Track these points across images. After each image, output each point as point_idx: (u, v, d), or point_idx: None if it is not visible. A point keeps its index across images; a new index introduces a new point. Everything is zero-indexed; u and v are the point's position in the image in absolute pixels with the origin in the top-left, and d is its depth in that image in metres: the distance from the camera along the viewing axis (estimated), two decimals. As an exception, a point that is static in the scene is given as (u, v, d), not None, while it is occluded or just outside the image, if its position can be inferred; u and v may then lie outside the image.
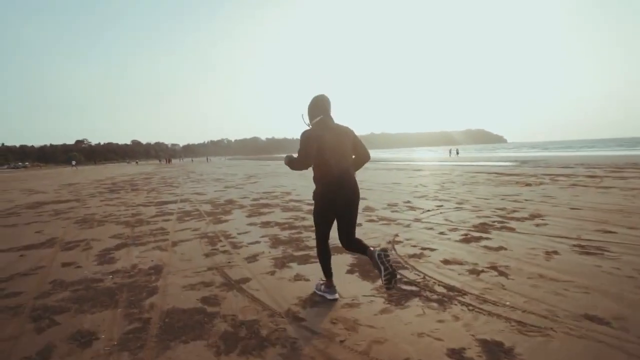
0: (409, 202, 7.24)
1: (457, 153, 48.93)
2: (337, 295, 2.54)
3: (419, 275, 2.95)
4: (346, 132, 2.47)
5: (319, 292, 2.62)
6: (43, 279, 3.18)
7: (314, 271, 3.09)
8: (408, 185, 10.40)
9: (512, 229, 4.51)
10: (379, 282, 2.75)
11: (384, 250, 2.26)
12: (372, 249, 2.29)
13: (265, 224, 5.33)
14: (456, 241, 4.06)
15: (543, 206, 5.95)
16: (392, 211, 6.23)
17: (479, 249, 3.73)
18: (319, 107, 2.46)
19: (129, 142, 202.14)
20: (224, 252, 3.90)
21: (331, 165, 2.34)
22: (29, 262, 3.79)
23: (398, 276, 2.33)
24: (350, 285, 2.81)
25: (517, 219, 5.06)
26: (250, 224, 5.38)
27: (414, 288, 2.68)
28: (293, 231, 4.82)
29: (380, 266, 2.15)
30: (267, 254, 3.80)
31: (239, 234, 4.76)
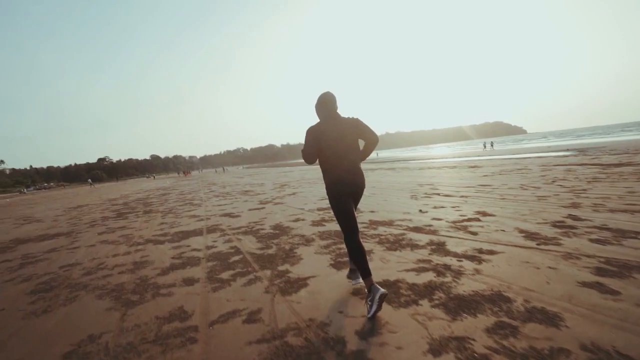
0: (576, 216, 4.40)
1: (492, 146, 45.19)
2: (384, 290, 2.24)
3: None
4: (351, 124, 2.51)
5: (354, 278, 2.79)
6: None
7: None
8: (508, 188, 7.47)
9: None
10: None
11: (386, 294, 2.20)
12: (375, 284, 2.28)
13: (391, 288, 2.56)
14: None
15: None
16: (592, 240, 3.38)
17: None
18: (322, 104, 2.54)
19: (148, 157, 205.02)
20: None
21: (332, 162, 2.45)
22: None
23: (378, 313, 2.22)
24: None
25: None
26: (361, 294, 2.63)
27: None
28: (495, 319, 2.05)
29: (374, 305, 2.18)
30: None
31: (365, 334, 2.01)
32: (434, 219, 5.13)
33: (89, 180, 58.82)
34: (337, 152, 2.43)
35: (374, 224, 5.15)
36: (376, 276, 2.98)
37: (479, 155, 28.47)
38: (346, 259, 3.59)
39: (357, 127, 2.52)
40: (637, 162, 10.19)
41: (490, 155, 26.69)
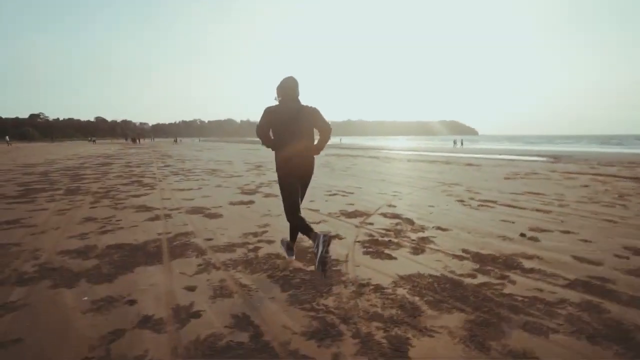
0: None
1: (462, 144, 45.27)
2: (294, 257, 2.82)
3: None
4: (309, 112, 2.58)
5: (283, 247, 2.86)
6: None
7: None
8: (578, 202, 5.64)
9: None
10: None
11: (328, 234, 2.31)
12: (317, 232, 2.35)
13: None
14: None
15: None
16: None
17: None
18: (284, 87, 2.54)
19: (92, 119, 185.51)
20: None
21: (284, 141, 2.50)
22: None
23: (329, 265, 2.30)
24: None
25: None
26: None
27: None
28: None
29: (320, 248, 2.23)
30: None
31: None
32: (576, 257, 3.00)
33: (7, 137, 49.73)
34: (294, 136, 2.49)
35: (484, 262, 2.89)
36: None
37: (457, 152, 27.60)
38: None
39: (314, 116, 2.60)
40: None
41: (468, 153, 25.84)
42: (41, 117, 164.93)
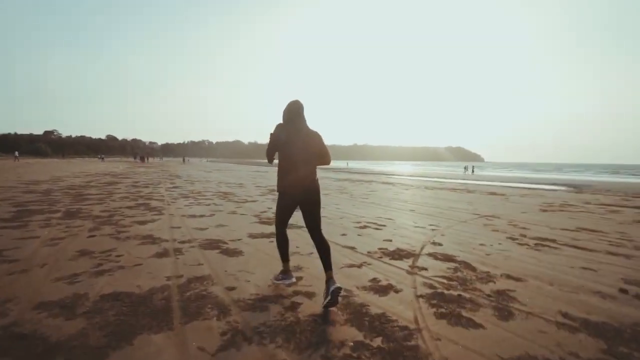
0: None
1: (473, 171, 44.44)
2: (294, 279, 2.74)
3: None
4: (315, 137, 2.58)
5: (277, 282, 2.73)
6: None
7: None
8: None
9: None
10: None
11: (340, 288, 2.34)
12: (332, 278, 2.42)
13: None
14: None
15: None
16: None
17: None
18: (290, 111, 2.58)
19: (103, 137, 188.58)
20: None
21: (287, 162, 2.54)
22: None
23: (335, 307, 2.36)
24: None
25: None
26: None
27: None
28: None
29: (329, 296, 2.29)
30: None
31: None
32: None
33: (16, 153, 50.13)
34: (298, 159, 2.51)
35: (608, 337, 2.10)
36: None
37: (471, 180, 26.84)
38: None
39: (318, 143, 2.59)
40: None
41: (484, 181, 25.06)
42: (55, 133, 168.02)
